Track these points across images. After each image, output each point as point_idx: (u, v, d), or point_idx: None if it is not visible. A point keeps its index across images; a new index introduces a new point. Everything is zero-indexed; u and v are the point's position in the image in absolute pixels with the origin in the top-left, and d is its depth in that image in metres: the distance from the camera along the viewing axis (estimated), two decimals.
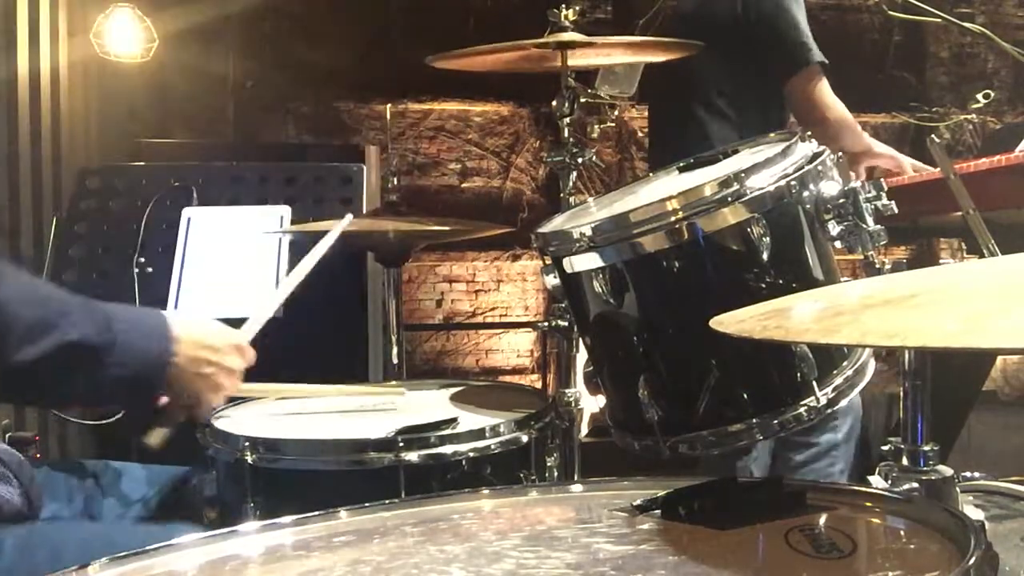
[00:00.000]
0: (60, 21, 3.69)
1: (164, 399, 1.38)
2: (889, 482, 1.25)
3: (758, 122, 2.80)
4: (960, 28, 2.96)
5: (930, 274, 1.14)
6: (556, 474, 1.81)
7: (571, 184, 2.09)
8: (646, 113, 5.57)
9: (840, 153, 1.64)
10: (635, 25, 5.22)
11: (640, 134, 5.66)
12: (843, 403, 1.56)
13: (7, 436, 1.78)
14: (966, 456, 3.17)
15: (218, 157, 4.03)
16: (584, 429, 2.19)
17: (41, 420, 3.03)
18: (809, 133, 1.65)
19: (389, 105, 5.39)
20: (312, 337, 2.90)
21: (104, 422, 2.05)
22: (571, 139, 2.11)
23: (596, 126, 5.59)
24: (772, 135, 1.82)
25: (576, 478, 1.93)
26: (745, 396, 1.55)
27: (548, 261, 1.68)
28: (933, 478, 1.24)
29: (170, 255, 2.75)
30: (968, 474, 1.52)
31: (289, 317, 2.78)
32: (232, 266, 2.73)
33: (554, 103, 2.13)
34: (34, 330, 1.18)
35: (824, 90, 2.85)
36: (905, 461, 1.26)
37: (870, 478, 1.27)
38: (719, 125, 2.86)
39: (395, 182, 2.47)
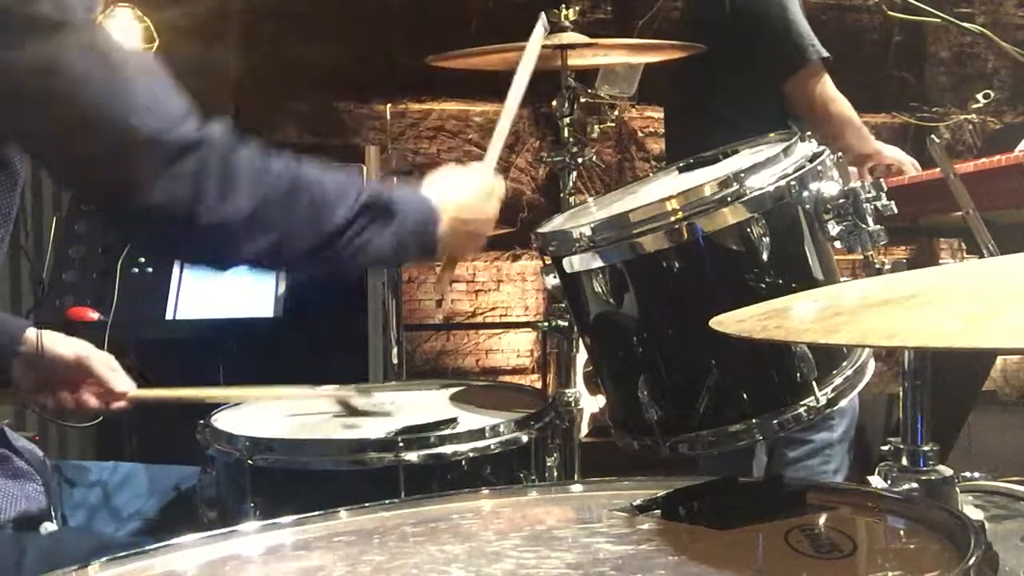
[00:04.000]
0: None
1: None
2: (889, 482, 1.25)
3: (767, 124, 2.79)
4: (960, 28, 2.96)
5: (930, 274, 1.14)
6: (556, 474, 1.81)
7: (571, 184, 2.10)
8: (646, 113, 5.60)
9: (840, 153, 1.64)
10: (635, 25, 5.23)
11: (640, 134, 5.66)
12: (843, 403, 1.56)
13: None
14: (966, 456, 3.16)
15: None
16: (584, 429, 2.19)
17: (41, 421, 3.02)
18: (809, 133, 1.65)
19: (389, 105, 5.37)
20: (312, 337, 2.91)
21: (96, 422, 2.03)
22: (571, 139, 2.11)
23: (596, 126, 5.57)
24: (772, 135, 1.82)
25: (576, 478, 1.92)
26: (745, 396, 1.55)
27: (548, 261, 1.68)
28: (933, 478, 1.24)
29: None
30: (968, 474, 1.52)
31: (289, 317, 2.80)
32: None
33: (554, 103, 2.13)
34: (340, 195, 1.37)
35: (826, 85, 2.83)
36: (905, 461, 1.26)
37: (870, 478, 1.27)
38: (729, 127, 2.84)
39: (395, 182, 2.47)
